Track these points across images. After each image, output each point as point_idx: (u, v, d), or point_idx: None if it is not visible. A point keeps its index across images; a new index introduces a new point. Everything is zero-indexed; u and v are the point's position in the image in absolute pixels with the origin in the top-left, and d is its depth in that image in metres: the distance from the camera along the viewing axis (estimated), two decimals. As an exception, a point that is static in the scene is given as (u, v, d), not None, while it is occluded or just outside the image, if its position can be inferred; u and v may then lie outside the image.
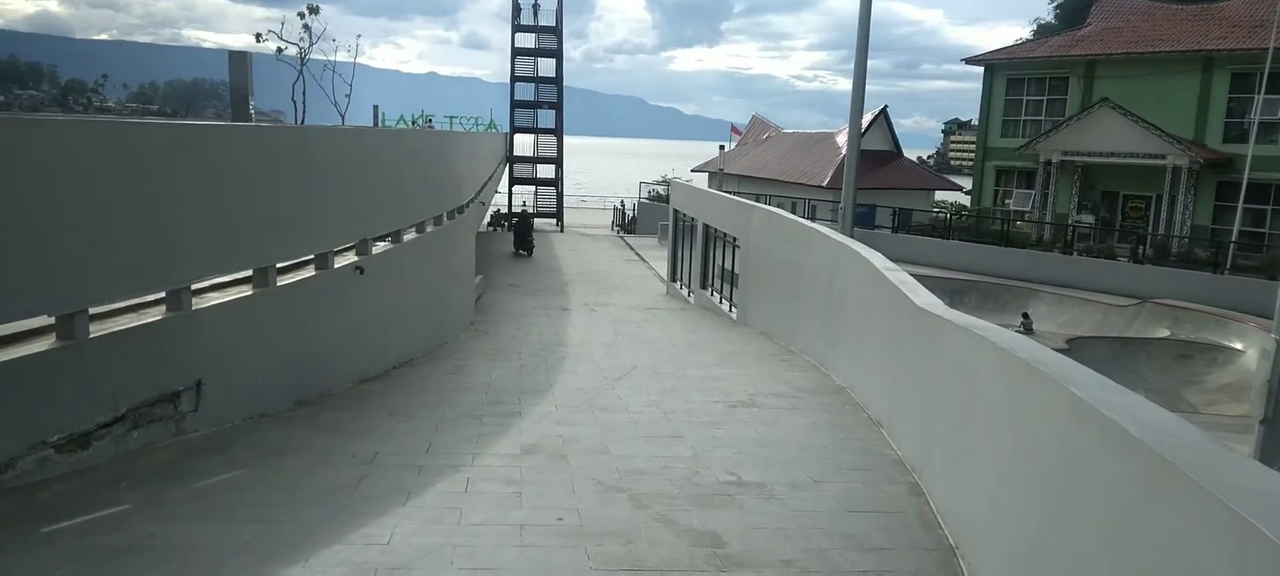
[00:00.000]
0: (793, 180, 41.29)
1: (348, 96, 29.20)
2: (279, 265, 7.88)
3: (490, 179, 26.58)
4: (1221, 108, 30.47)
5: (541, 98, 47.90)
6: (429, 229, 12.27)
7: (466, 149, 17.23)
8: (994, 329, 5.38)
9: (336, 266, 8.86)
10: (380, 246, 10.52)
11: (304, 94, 26.97)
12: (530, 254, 33.92)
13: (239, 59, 17.13)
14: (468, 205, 16.00)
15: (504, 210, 45.92)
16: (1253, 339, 19.87)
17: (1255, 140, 27.53)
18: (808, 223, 14.41)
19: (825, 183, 38.72)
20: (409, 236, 11.43)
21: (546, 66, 47.77)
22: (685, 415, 8.38)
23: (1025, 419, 4.29)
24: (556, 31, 47.26)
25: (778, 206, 30.19)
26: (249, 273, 7.47)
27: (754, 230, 17.27)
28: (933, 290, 24.82)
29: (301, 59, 26.67)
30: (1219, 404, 18.54)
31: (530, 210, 41.83)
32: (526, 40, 47.24)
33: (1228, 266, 25.88)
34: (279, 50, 27.09)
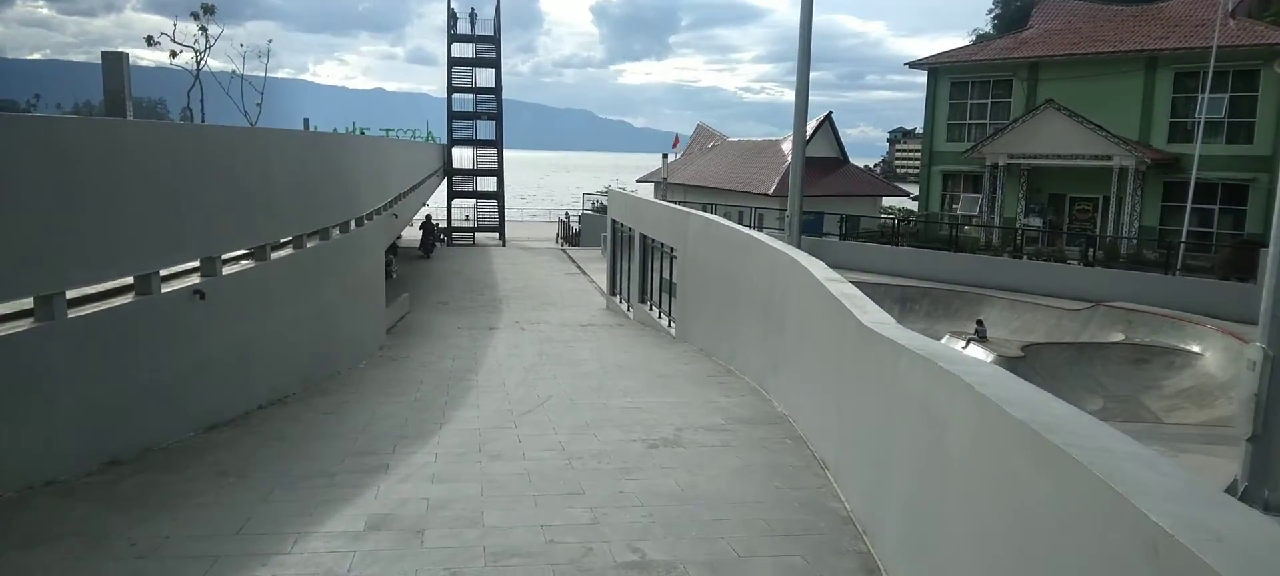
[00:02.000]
0: (738, 188, 40.37)
1: (258, 105, 27.49)
2: (76, 292, 6.29)
3: (412, 190, 24.91)
4: (1166, 107, 30.15)
5: (480, 109, 46.53)
6: (310, 244, 10.69)
7: (370, 155, 15.59)
8: (964, 359, 4.10)
9: (166, 291, 7.25)
10: (242, 265, 8.94)
11: (202, 101, 25.20)
12: (427, 256, 36.78)
13: (113, 60, 15.30)
14: (370, 217, 14.38)
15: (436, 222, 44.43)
16: (1211, 341, 19.21)
17: (1201, 139, 27.15)
18: (744, 230, 13.14)
19: (771, 190, 37.85)
20: (283, 253, 9.84)
21: (485, 77, 46.47)
22: (593, 461, 6.95)
23: (1030, 508, 2.95)
24: (494, 41, 45.92)
25: (724, 215, 29.25)
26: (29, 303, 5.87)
27: (691, 239, 16.01)
28: (883, 298, 23.85)
29: (197, 64, 24.94)
30: (1180, 409, 17.73)
31: (433, 220, 41.40)
32: (464, 50, 45.89)
33: (1178, 267, 25.39)
34: (172, 55, 25.36)
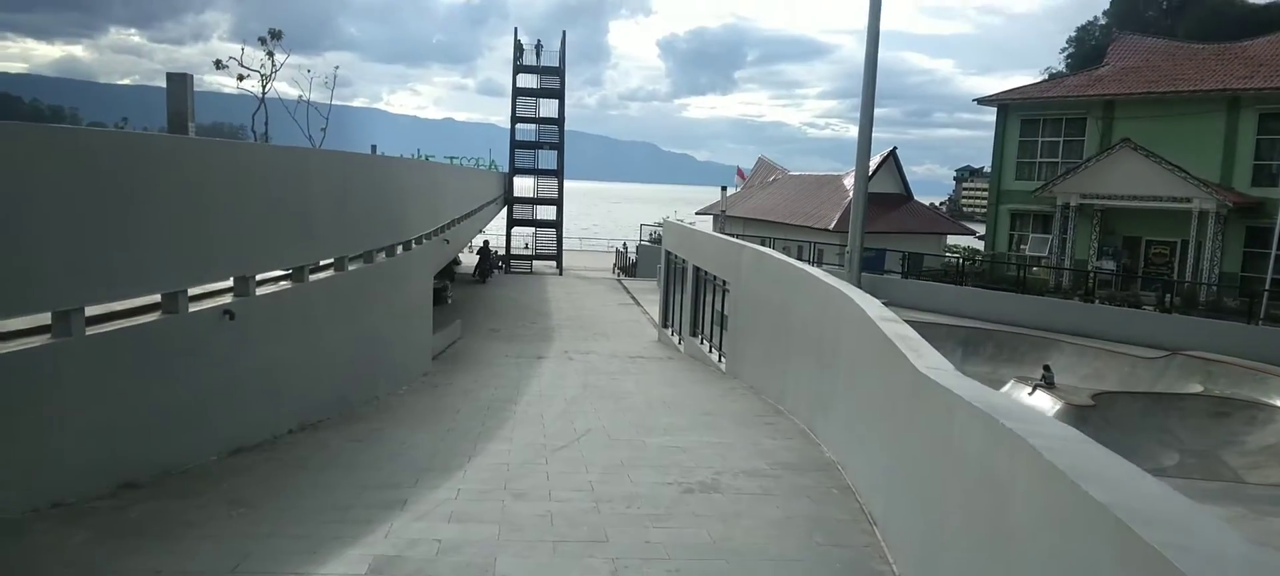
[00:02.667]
0: (798, 222, 39.73)
1: (323, 130, 27.92)
2: (97, 309, 6.14)
3: (469, 216, 24.93)
4: (1249, 149, 28.67)
5: (543, 139, 46.92)
6: (352, 266, 10.53)
7: (420, 179, 15.52)
8: (1030, 415, 3.59)
9: (194, 310, 7.09)
10: (280, 285, 8.78)
11: (266, 124, 25.66)
12: (483, 281, 37.42)
13: (177, 82, 15.53)
14: (419, 241, 14.25)
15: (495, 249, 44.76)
16: (1299, 397, 17.96)
17: (1289, 182, 25.73)
18: (798, 264, 12.64)
19: (832, 225, 37.15)
20: (323, 275, 9.69)
21: (548, 107, 46.87)
22: (623, 505, 6.51)
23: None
24: (559, 72, 46.36)
25: (783, 250, 28.67)
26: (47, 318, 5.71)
27: (744, 272, 15.57)
28: (945, 339, 22.96)
29: (263, 87, 25.42)
30: (1262, 467, 16.56)
31: (491, 247, 41.77)
32: (528, 81, 46.44)
33: (1261, 316, 23.95)
34: (239, 78, 25.90)
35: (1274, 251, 25.64)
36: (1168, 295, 27.56)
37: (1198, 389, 19.71)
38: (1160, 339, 22.59)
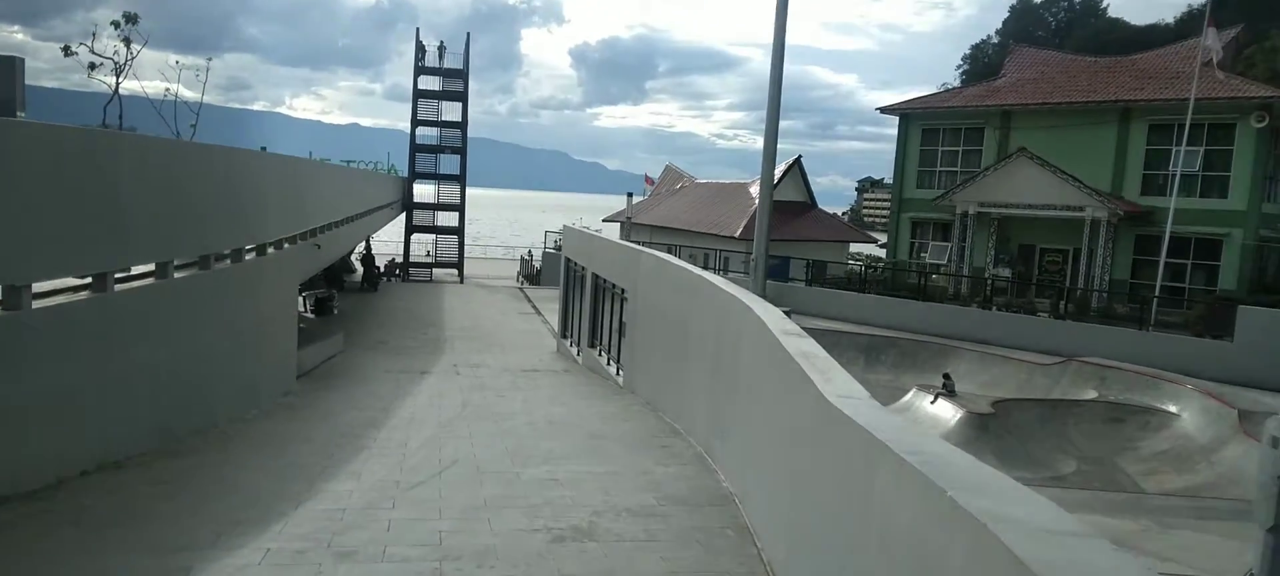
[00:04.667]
0: (704, 230, 39.27)
1: (193, 126, 25.72)
2: None
3: (353, 220, 23.22)
4: (1139, 159, 29.48)
5: (445, 143, 45.16)
6: (183, 273, 9.04)
7: (280, 176, 13.93)
8: (1000, 488, 2.63)
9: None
10: (77, 296, 7.27)
11: (120, 119, 23.30)
12: (373, 290, 36.00)
13: (5, 66, 13.59)
14: (279, 245, 12.71)
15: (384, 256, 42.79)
16: (1189, 401, 18.12)
17: (1176, 193, 26.39)
18: (697, 270, 11.71)
19: (737, 233, 36.80)
20: (138, 283, 8.19)
21: (452, 111, 45.18)
22: (473, 565, 5.35)
23: None
24: (463, 75, 44.74)
25: (689, 257, 27.92)
26: None
27: (642, 279, 14.59)
28: (848, 347, 22.41)
29: (117, 78, 23.12)
30: (1158, 473, 16.55)
31: (374, 252, 40.04)
32: (431, 83, 44.74)
33: (1152, 322, 24.43)
34: (91, 67, 23.52)
35: (1163, 259, 26.27)
36: (1062, 302, 28.05)
37: (1093, 395, 19.77)
38: (1056, 345, 22.71)
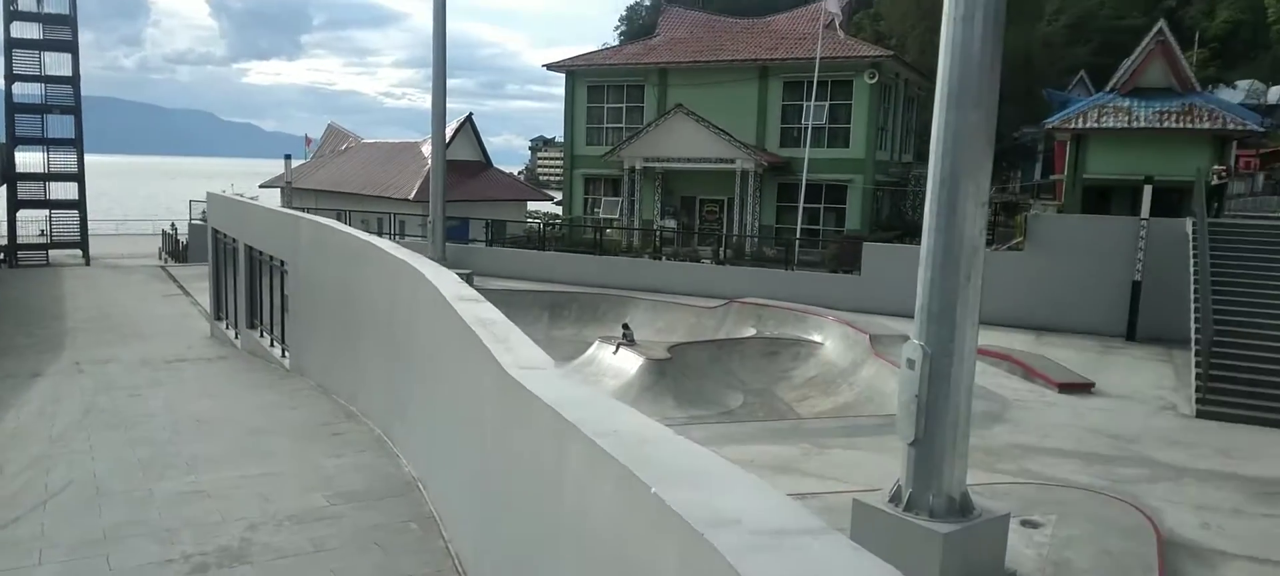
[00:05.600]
0: (376, 193, 37.22)
1: None
2: None
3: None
4: (777, 114, 32.53)
5: (53, 101, 37.92)
6: None
7: None
8: (704, 466, 2.33)
9: None
10: None
11: None
12: None
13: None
14: None
15: None
16: (829, 331, 20.33)
17: (808, 144, 29.56)
18: (363, 235, 10.76)
19: (412, 195, 35.33)
20: None
21: (59, 64, 37.89)
22: (84, 619, 4.28)
23: None
24: (70, 21, 37.67)
25: (361, 223, 26.16)
26: None
27: (303, 249, 13.24)
28: (532, 305, 22.31)
29: None
30: (809, 398, 18.47)
31: None
32: (29, 31, 37.05)
33: (795, 263, 27.29)
34: None
35: (801, 205, 29.36)
36: (721, 249, 30.41)
37: (752, 332, 21.57)
38: (719, 289, 24.52)
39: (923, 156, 40.25)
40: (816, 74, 28.42)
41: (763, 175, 31.63)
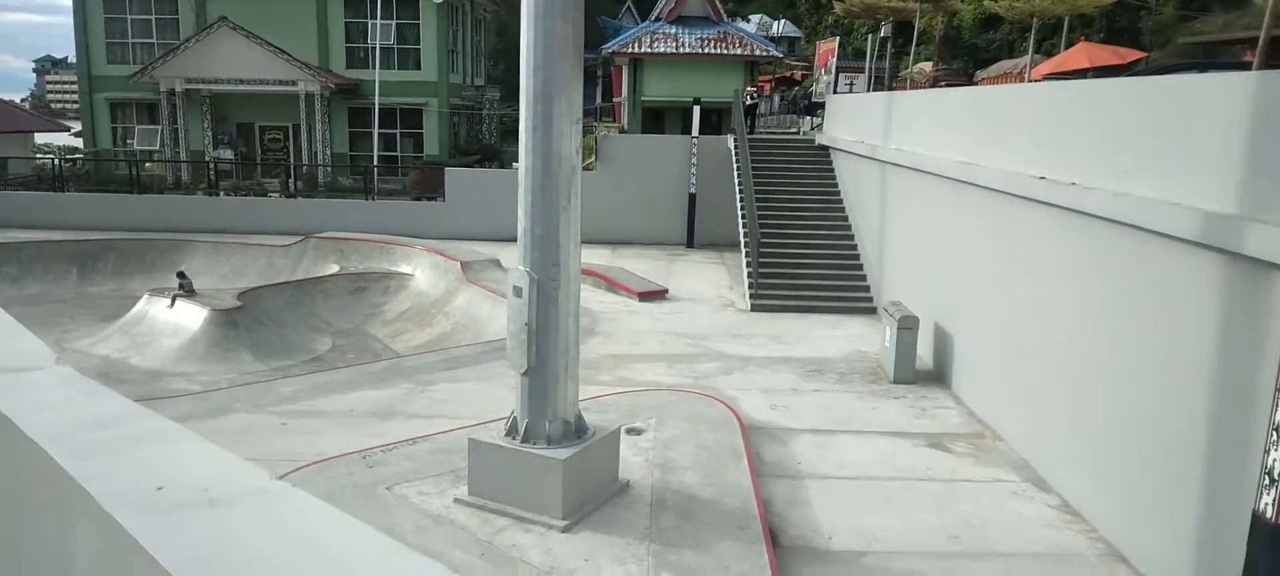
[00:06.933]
0: None
1: None
2: None
3: None
4: (341, 33, 30.19)
5: None
6: None
7: None
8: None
9: None
10: None
11: None
12: None
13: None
14: None
15: None
16: (419, 261, 19.72)
17: (378, 66, 27.93)
18: None
19: None
20: None
21: None
22: None
23: None
24: None
25: None
26: None
27: None
28: (56, 258, 18.47)
29: None
30: (405, 333, 17.77)
31: None
32: None
33: (375, 192, 25.94)
34: None
35: (376, 130, 27.79)
36: (290, 180, 27.78)
37: (335, 269, 20.12)
38: (292, 225, 22.39)
39: (495, 80, 40.64)
40: (381, -10, 26.78)
41: (330, 99, 29.30)
